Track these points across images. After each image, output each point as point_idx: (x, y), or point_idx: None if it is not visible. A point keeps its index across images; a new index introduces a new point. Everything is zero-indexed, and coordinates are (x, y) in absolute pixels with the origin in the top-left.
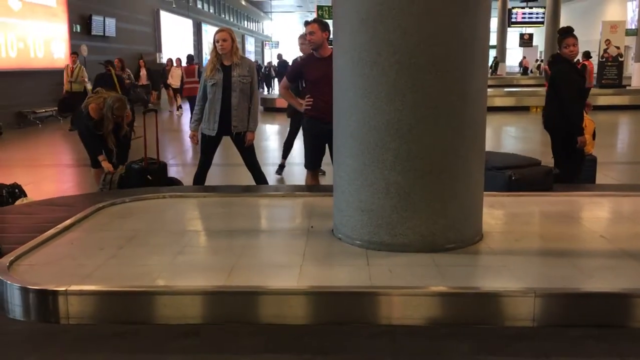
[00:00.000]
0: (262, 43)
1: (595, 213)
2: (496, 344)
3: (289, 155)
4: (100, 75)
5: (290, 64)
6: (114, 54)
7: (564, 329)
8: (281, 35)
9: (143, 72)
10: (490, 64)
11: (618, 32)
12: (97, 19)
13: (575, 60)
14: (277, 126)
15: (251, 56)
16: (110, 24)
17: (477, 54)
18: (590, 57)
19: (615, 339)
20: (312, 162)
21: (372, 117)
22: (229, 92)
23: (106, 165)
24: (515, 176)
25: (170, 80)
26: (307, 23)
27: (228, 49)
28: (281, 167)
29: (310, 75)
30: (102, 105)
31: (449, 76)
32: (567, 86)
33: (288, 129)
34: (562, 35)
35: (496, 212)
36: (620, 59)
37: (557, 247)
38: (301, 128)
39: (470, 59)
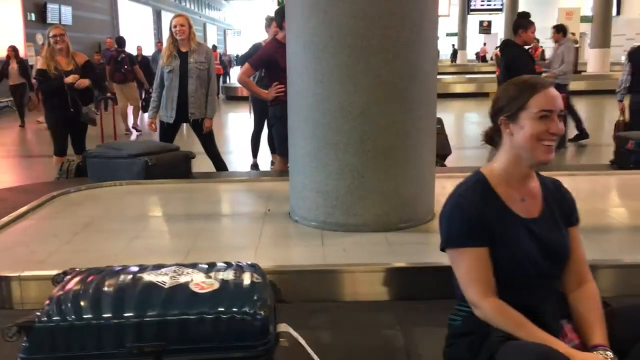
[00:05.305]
0: (224, 31)
1: None
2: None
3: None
4: None
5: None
6: (71, 44)
7: None
8: (243, 24)
9: (13, 65)
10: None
11: (573, 19)
12: (52, 7)
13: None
14: (239, 114)
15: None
16: (67, 12)
17: (427, 37)
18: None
19: None
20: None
21: (324, 100)
22: (186, 79)
23: (72, 78)
24: (152, 162)
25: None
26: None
27: (186, 35)
28: (255, 167)
29: (284, 61)
30: (46, 54)
31: (399, 58)
32: (523, 70)
33: (252, 118)
34: (527, 20)
35: (449, 191)
36: (575, 45)
37: None
38: (273, 116)
39: (419, 41)
